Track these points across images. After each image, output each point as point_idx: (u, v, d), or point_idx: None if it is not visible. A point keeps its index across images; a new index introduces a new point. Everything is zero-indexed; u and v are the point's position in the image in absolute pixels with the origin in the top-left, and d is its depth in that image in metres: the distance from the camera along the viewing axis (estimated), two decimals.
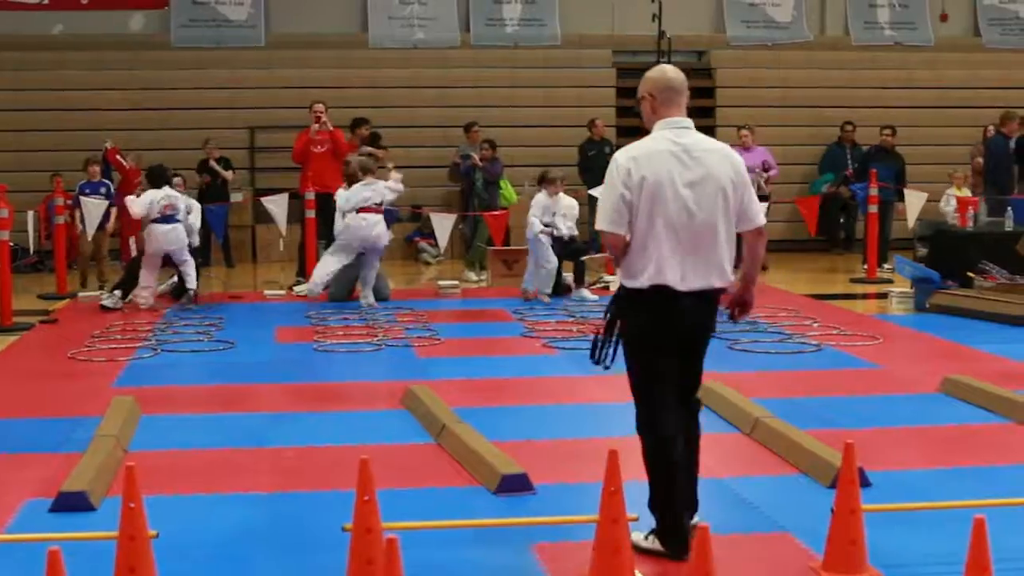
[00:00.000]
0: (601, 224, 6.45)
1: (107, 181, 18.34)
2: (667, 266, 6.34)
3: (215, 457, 8.57)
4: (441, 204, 21.27)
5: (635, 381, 6.58)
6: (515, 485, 7.59)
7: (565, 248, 16.29)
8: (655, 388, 6.52)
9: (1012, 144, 19.55)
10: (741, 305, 6.76)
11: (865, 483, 7.36)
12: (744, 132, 20.00)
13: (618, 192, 6.37)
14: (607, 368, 6.50)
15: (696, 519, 6.48)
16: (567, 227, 16.32)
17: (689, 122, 6.54)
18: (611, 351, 6.54)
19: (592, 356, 6.55)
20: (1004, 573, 5.30)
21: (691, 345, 6.58)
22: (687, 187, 6.37)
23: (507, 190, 19.76)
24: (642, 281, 6.37)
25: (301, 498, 7.62)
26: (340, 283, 16.16)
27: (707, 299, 6.44)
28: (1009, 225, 16.70)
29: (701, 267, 6.39)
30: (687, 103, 6.63)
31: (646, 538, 6.57)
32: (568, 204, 16.55)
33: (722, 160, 6.48)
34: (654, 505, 6.58)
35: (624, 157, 6.45)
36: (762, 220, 6.64)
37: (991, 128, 20.78)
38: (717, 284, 6.44)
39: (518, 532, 6.77)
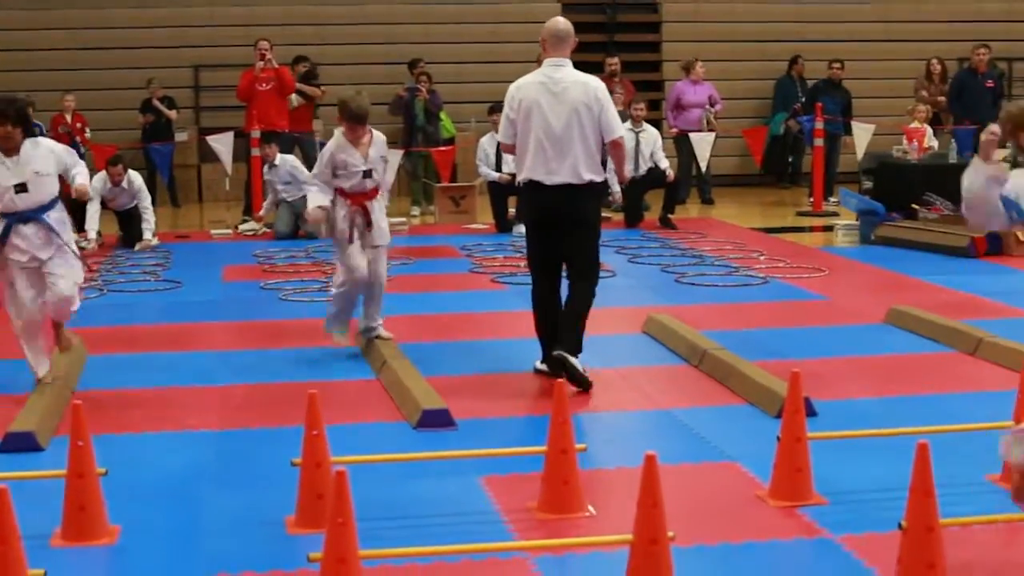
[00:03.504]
0: (498, 137, 9.82)
1: (39, 123, 18.12)
2: (537, 166, 8.57)
3: (163, 396, 8.56)
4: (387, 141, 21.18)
5: (527, 251, 8.98)
6: (436, 420, 7.63)
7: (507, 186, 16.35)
8: (537, 256, 8.80)
9: (986, 79, 19.73)
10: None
11: (811, 412, 7.44)
12: (700, 65, 20.00)
13: (506, 113, 8.77)
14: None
15: (579, 362, 8.45)
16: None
17: (564, 61, 8.70)
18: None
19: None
20: (947, 498, 5.35)
21: (568, 227, 8.58)
22: (550, 108, 8.54)
23: (446, 122, 19.70)
24: (523, 177, 8.73)
25: (250, 435, 7.64)
26: (283, 219, 16.11)
27: (570, 192, 8.53)
28: (953, 157, 16.77)
29: (562, 168, 8.52)
30: (574, 45, 8.80)
31: (541, 363, 8.86)
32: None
33: (581, 88, 8.58)
34: (540, 339, 8.81)
35: (513, 87, 8.83)
36: (616, 134, 8.64)
37: (935, 61, 20.87)
38: (574, 181, 8.52)
39: (467, 465, 6.81)
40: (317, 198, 9.37)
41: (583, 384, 8.44)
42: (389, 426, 7.75)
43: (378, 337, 9.56)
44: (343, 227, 9.43)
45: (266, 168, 16.44)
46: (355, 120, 9.29)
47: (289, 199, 16.05)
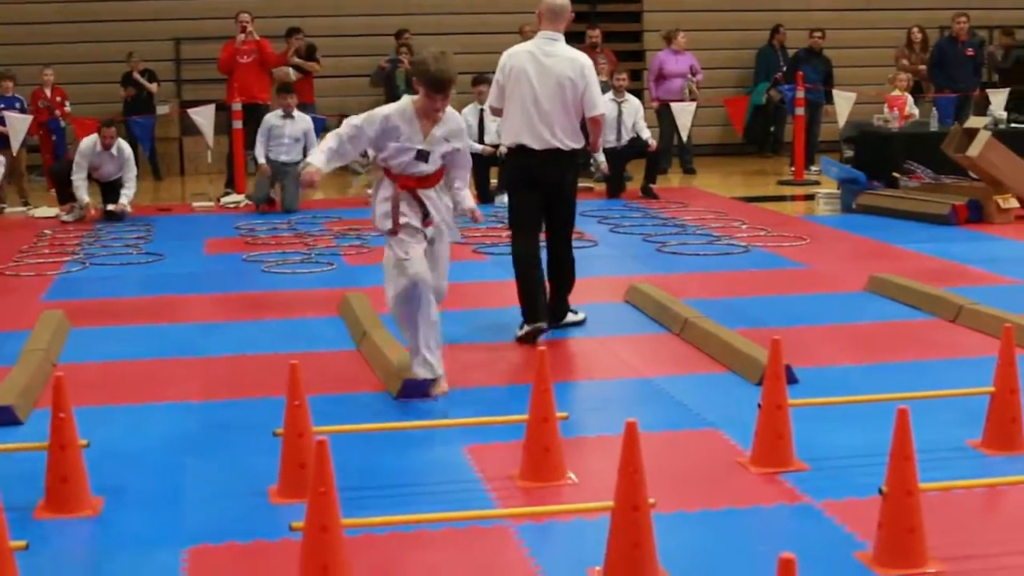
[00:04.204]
0: (488, 100, 9.51)
1: (20, 97, 18.05)
2: (523, 131, 9.03)
3: (145, 368, 8.56)
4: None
5: (509, 215, 9.39)
6: (417, 390, 7.62)
7: (489, 157, 16.31)
8: (518, 219, 9.24)
9: (966, 47, 19.77)
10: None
11: (792, 380, 7.45)
12: (681, 35, 19.99)
13: (497, 78, 9.21)
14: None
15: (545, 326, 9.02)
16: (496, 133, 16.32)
17: (558, 35, 9.10)
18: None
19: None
20: (926, 463, 5.37)
21: (548, 191, 9.10)
22: (537, 78, 8.99)
23: None
24: (509, 141, 9.21)
25: (232, 406, 7.64)
26: (261, 186, 16.08)
27: (553, 157, 8.99)
28: (934, 125, 16.78)
29: (545, 134, 8.97)
30: (569, 20, 9.22)
31: (520, 328, 9.03)
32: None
33: (568, 63, 9.00)
34: (521, 304, 9.08)
35: (505, 54, 9.23)
36: (597, 111, 9.08)
37: (915, 30, 20.90)
38: (558, 146, 8.97)
39: (449, 434, 6.83)
40: (317, 157, 7.57)
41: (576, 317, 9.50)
42: (371, 396, 7.76)
43: (433, 389, 7.67)
44: (383, 214, 7.62)
45: (276, 117, 16.27)
46: (434, 86, 7.39)
47: (284, 158, 16.01)
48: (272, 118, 16.17)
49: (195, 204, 16.99)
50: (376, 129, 7.53)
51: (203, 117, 17.91)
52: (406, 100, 7.61)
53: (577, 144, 9.15)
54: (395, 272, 7.55)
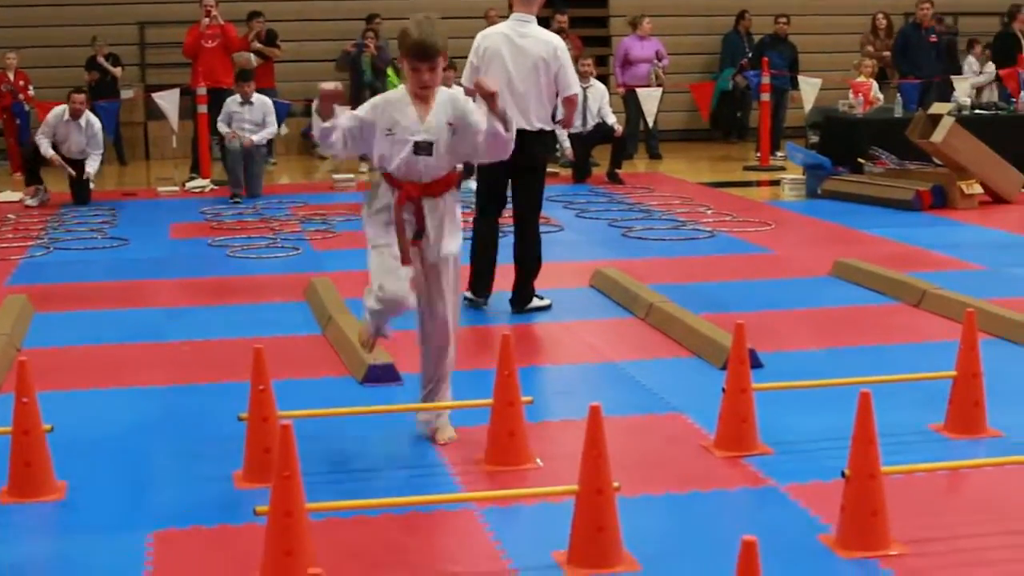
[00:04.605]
0: (462, 81, 9.44)
1: None
2: None
3: (110, 353, 8.54)
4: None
5: (476, 198, 9.56)
6: (382, 375, 7.62)
7: None
8: (484, 200, 9.45)
9: (930, 33, 19.84)
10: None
11: (756, 364, 7.51)
12: (647, 21, 20.00)
13: (471, 59, 9.28)
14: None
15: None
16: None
17: (531, 18, 9.24)
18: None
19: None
20: (889, 447, 5.42)
21: (518, 173, 9.11)
22: (511, 59, 9.12)
23: (392, 78, 19.62)
24: None
25: (197, 390, 7.63)
26: (234, 174, 16.00)
27: (522, 137, 8.09)
28: (899, 111, 16.84)
29: (517, 115, 8.72)
30: (541, 2, 9.41)
31: (468, 290, 9.33)
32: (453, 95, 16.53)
33: (542, 45, 9.16)
34: (472, 269, 9.34)
35: (480, 35, 9.39)
36: (572, 91, 9.28)
37: (880, 16, 20.97)
38: (527, 127, 8.93)
39: (414, 418, 6.83)
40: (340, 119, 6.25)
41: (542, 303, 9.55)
42: (336, 381, 7.75)
43: (436, 435, 6.54)
44: (379, 224, 6.29)
45: (236, 103, 16.13)
46: (418, 54, 6.10)
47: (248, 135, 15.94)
48: (232, 104, 16.10)
49: (160, 189, 16.93)
50: (364, 120, 6.26)
51: (168, 102, 17.85)
52: (400, 88, 6.39)
53: (547, 126, 9.33)
54: (373, 288, 6.31)
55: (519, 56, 9.14)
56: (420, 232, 6.23)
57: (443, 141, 6.20)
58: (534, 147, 9.18)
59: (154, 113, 19.54)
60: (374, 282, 6.21)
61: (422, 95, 6.21)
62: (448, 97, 6.31)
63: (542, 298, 9.54)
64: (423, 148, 6.17)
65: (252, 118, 16.02)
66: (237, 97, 16.06)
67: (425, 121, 6.19)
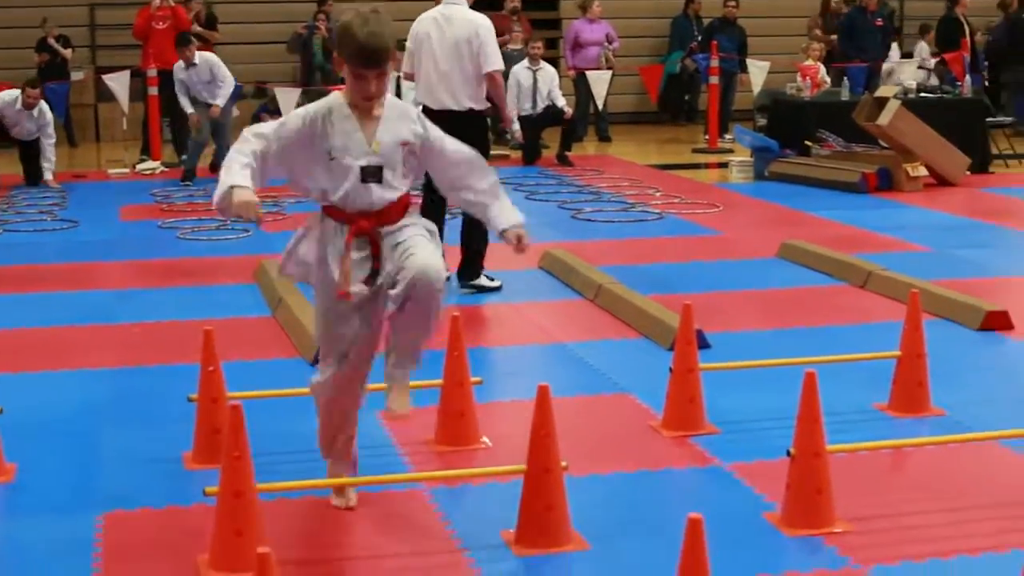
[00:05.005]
0: (403, 67, 9.79)
1: None
2: (427, 91, 9.44)
3: (60, 335, 8.53)
4: (286, 79, 21.04)
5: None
6: None
7: None
8: (426, 181, 9.01)
9: (875, 17, 19.95)
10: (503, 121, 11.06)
11: (704, 344, 7.57)
12: (597, 4, 20.03)
13: (408, 46, 9.60)
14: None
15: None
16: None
17: (461, 1, 9.55)
18: None
19: None
20: (834, 426, 5.48)
21: None
22: (437, 41, 9.41)
23: None
24: (417, 100, 9.44)
25: (147, 372, 7.63)
26: (195, 149, 15.92)
27: (452, 117, 8.83)
28: (845, 94, 16.95)
29: (442, 96, 9.35)
30: None
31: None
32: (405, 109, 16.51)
33: (465, 24, 9.42)
34: None
35: (416, 21, 9.66)
36: (491, 67, 9.44)
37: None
38: (455, 107, 9.27)
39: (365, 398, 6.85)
40: (237, 175, 4.89)
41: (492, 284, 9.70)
42: (285, 362, 7.77)
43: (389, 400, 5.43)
44: (324, 270, 5.15)
45: (181, 71, 15.85)
46: (364, 57, 4.92)
47: (203, 98, 15.77)
48: (179, 72, 15.87)
49: (111, 171, 16.87)
50: (289, 139, 5.01)
51: (118, 83, 17.79)
52: (335, 95, 5.13)
53: (477, 105, 9.50)
54: (324, 351, 5.34)
55: (443, 38, 9.41)
56: (377, 271, 5.06)
57: (396, 165, 5.08)
58: (464, 125, 8.85)
59: (104, 95, 19.45)
60: (328, 334, 5.22)
61: (366, 107, 5.04)
62: (399, 111, 5.17)
63: (492, 279, 9.58)
64: (371, 174, 5.01)
65: (201, 78, 15.83)
66: (181, 64, 15.83)
67: (373, 140, 5.03)
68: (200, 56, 15.91)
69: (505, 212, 5.35)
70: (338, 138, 4.99)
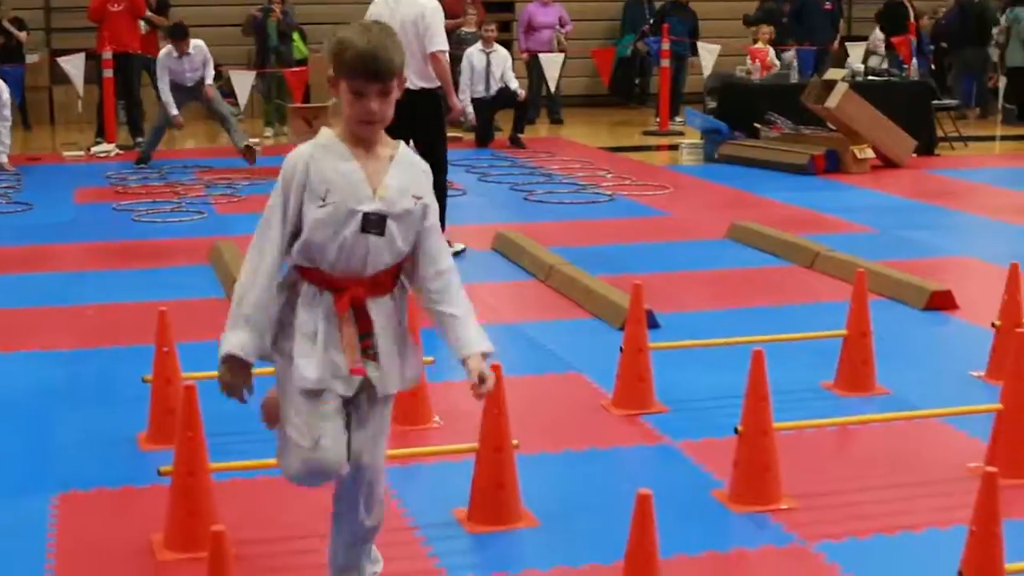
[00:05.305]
0: None
1: None
2: None
3: (13, 317, 8.54)
4: (240, 62, 20.98)
5: None
6: None
7: None
8: None
9: (824, 1, 20.08)
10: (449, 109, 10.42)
11: (653, 324, 7.64)
12: None
13: None
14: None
15: None
16: None
17: None
18: None
19: None
20: (781, 404, 5.55)
21: (410, 131, 9.16)
22: (388, 22, 9.36)
23: (299, 43, 19.54)
24: None
25: (102, 353, 7.66)
26: (156, 135, 15.82)
27: (408, 94, 7.76)
28: (794, 77, 17.09)
29: None
30: None
31: None
32: (414, 157, 16.51)
33: (412, 6, 9.77)
34: None
35: (369, 6, 9.95)
36: (434, 48, 9.75)
37: None
38: (407, 86, 8.27)
39: None
40: (232, 339, 4.34)
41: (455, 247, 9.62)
42: None
43: None
44: (298, 345, 4.14)
45: (166, 56, 15.49)
46: (363, 70, 3.96)
47: (190, 84, 15.56)
48: (167, 59, 15.32)
49: (65, 153, 16.82)
50: (301, 178, 4.03)
51: (73, 66, 17.71)
52: (322, 132, 4.15)
53: (428, 84, 9.88)
54: (287, 448, 4.23)
55: (394, 18, 9.54)
56: (366, 350, 4.10)
57: (401, 220, 4.07)
58: (416, 104, 9.49)
59: (59, 77, 19.33)
60: (301, 436, 4.12)
61: (366, 133, 4.08)
62: (411, 159, 4.23)
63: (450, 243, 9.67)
64: (374, 224, 4.02)
65: (193, 66, 15.61)
66: (171, 51, 15.54)
67: (380, 184, 4.06)
68: (193, 44, 15.74)
69: (473, 337, 4.22)
70: (332, 178, 4.01)
